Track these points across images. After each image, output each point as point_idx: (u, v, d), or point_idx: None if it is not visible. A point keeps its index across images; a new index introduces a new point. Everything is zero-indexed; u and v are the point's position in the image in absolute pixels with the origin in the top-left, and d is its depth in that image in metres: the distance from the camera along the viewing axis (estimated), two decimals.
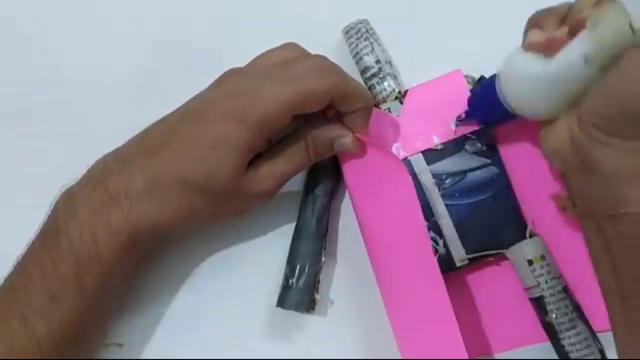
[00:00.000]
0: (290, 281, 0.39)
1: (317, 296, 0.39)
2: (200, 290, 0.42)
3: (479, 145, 0.40)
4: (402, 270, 0.38)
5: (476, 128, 0.40)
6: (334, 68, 0.37)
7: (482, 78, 0.41)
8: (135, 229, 0.35)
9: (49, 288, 0.34)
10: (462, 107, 0.40)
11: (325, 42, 0.43)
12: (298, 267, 0.39)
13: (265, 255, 0.41)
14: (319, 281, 0.39)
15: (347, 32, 0.42)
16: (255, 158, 0.37)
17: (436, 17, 0.44)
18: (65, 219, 0.35)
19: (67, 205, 0.36)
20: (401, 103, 0.41)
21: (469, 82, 0.41)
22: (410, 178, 0.38)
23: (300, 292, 0.39)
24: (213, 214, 0.38)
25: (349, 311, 0.41)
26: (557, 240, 0.39)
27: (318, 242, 0.39)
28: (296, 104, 0.35)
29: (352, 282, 0.41)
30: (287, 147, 0.38)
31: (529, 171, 0.40)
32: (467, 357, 0.35)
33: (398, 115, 0.40)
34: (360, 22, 0.42)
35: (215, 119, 0.35)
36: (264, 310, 0.41)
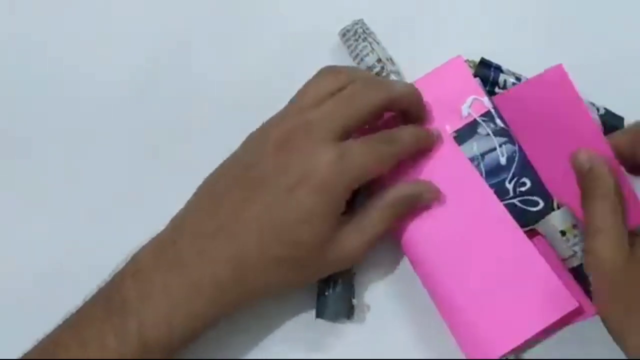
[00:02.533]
0: (327, 291, 0.38)
1: (355, 302, 0.39)
2: None
3: (493, 125, 0.40)
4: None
5: (485, 110, 0.40)
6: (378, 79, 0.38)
7: (483, 60, 0.41)
8: (217, 315, 0.34)
9: None
10: (469, 92, 0.40)
11: (324, 47, 0.43)
12: (332, 275, 0.38)
13: None
14: (353, 286, 0.39)
15: (344, 34, 0.42)
16: (342, 224, 0.36)
17: (431, 9, 0.45)
18: (136, 299, 0.34)
19: (137, 283, 0.34)
20: None
21: (470, 66, 0.41)
22: (462, 153, 0.39)
23: (338, 300, 0.38)
24: (298, 284, 0.37)
25: (387, 315, 0.40)
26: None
27: None
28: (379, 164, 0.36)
29: (386, 285, 0.41)
30: (373, 211, 0.37)
31: (541, 144, 0.40)
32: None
33: None
34: (356, 23, 0.42)
35: (295, 188, 0.34)
36: (300, 321, 0.40)
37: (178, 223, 0.36)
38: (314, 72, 0.40)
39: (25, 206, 0.42)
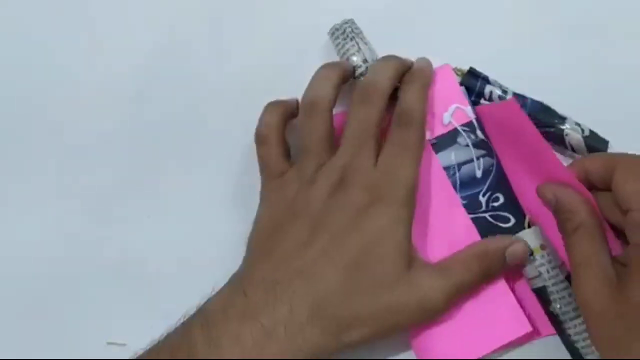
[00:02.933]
0: None
1: None
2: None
3: (473, 137, 0.40)
4: None
5: (467, 120, 0.40)
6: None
7: (471, 70, 0.41)
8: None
9: None
10: (452, 101, 0.40)
11: (312, 44, 0.43)
12: None
13: None
14: None
15: (332, 33, 0.42)
16: (422, 267, 0.35)
17: (423, 12, 0.44)
18: (204, 345, 0.32)
19: (207, 337, 0.32)
20: None
21: (458, 74, 0.41)
22: (437, 160, 0.39)
23: None
24: (383, 318, 0.34)
25: None
26: (555, 229, 0.38)
27: None
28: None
29: None
30: (458, 260, 0.36)
31: (519, 161, 0.39)
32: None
33: None
34: (346, 23, 0.42)
35: (359, 217, 0.34)
36: None
37: (244, 273, 0.35)
38: (304, 71, 0.40)
39: (25, 206, 0.43)
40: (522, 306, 0.37)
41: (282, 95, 0.41)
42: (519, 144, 0.38)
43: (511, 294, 0.37)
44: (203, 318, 0.33)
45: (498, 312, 0.36)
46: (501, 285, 0.37)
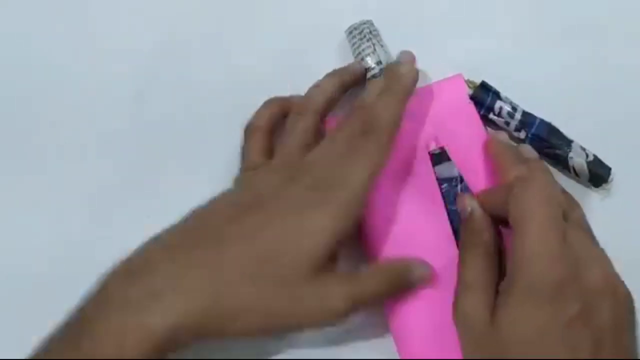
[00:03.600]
0: None
1: None
2: None
3: None
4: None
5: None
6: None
7: (483, 84, 0.41)
8: (174, 330, 0.31)
9: None
10: (463, 111, 0.40)
11: (328, 43, 0.43)
12: None
13: None
14: None
15: (350, 32, 0.42)
16: (331, 273, 0.34)
17: (441, 19, 0.44)
18: (92, 317, 0.32)
19: (97, 301, 0.32)
20: None
21: (469, 86, 0.41)
22: (432, 170, 0.39)
23: None
24: (267, 316, 0.33)
25: (361, 318, 0.39)
26: None
27: None
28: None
29: None
30: (371, 271, 0.36)
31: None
32: None
33: None
34: (364, 23, 0.42)
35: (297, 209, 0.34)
36: None
37: (155, 236, 0.35)
38: (318, 69, 0.40)
39: (25, 206, 0.42)
40: None
41: (294, 91, 0.41)
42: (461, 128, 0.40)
43: None
44: (100, 282, 0.33)
45: None
46: None
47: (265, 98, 0.41)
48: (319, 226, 0.34)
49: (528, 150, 0.39)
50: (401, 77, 0.38)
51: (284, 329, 0.34)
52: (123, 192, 0.42)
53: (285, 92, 0.41)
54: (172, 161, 0.43)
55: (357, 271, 0.36)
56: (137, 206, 0.42)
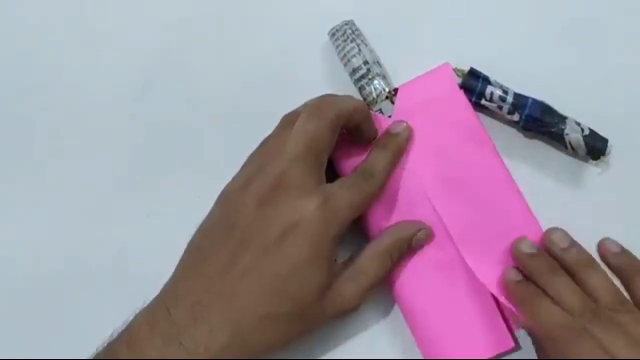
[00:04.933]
0: None
1: None
2: None
3: None
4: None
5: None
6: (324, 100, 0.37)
7: (471, 70, 0.41)
8: None
9: None
10: (453, 100, 0.40)
11: (312, 46, 0.43)
12: None
13: None
14: None
15: (333, 34, 0.41)
16: (337, 273, 0.35)
17: (422, 12, 0.44)
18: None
19: (132, 352, 0.33)
20: (392, 103, 0.40)
21: (458, 75, 0.41)
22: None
23: None
24: (299, 336, 0.35)
25: (363, 316, 0.40)
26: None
27: None
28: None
29: None
30: (369, 257, 0.37)
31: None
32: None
33: (390, 116, 0.40)
34: (346, 24, 0.41)
35: (282, 240, 0.33)
36: None
37: (169, 291, 0.35)
38: (304, 72, 0.39)
39: (25, 206, 0.43)
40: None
41: (282, 94, 0.41)
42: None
43: (498, 312, 0.38)
44: (128, 336, 0.34)
45: (483, 327, 0.38)
46: (489, 302, 0.38)
47: (265, 98, 0.41)
48: (314, 249, 0.34)
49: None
50: (399, 136, 0.39)
51: (310, 332, 0.36)
52: (123, 191, 0.43)
53: (285, 91, 0.41)
54: (172, 161, 0.43)
55: (356, 256, 0.37)
56: (137, 206, 0.42)
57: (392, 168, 0.38)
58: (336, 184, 0.36)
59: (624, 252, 0.38)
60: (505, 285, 0.37)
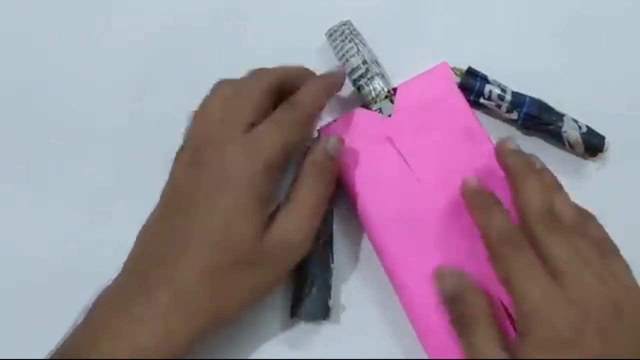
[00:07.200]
0: (303, 291, 0.38)
1: (331, 303, 0.39)
2: None
3: None
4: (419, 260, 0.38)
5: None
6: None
7: (470, 69, 0.41)
8: (167, 346, 0.32)
9: None
10: (451, 99, 0.40)
11: (312, 44, 0.43)
12: (309, 275, 0.38)
13: None
14: (330, 287, 0.39)
15: (330, 34, 0.41)
16: (276, 211, 0.36)
17: (422, 12, 0.44)
18: (84, 345, 0.33)
19: (85, 330, 0.34)
20: (391, 102, 0.40)
21: (456, 74, 0.41)
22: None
23: (315, 301, 0.38)
24: (262, 287, 0.36)
25: (361, 316, 0.40)
26: None
27: (326, 248, 0.39)
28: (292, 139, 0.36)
29: (361, 286, 0.41)
30: (300, 186, 0.37)
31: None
32: None
33: (390, 115, 0.40)
34: (344, 24, 0.41)
35: (217, 195, 0.34)
36: (275, 321, 0.40)
37: (133, 268, 0.36)
38: None
39: (25, 206, 0.42)
40: None
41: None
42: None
43: (502, 310, 0.37)
44: (87, 315, 0.34)
45: None
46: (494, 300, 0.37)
47: None
48: (243, 203, 0.34)
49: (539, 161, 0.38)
50: (330, 75, 0.40)
51: (272, 282, 0.36)
52: (123, 192, 0.43)
53: None
54: (172, 161, 0.42)
55: (290, 202, 0.36)
56: (137, 206, 0.41)
57: (320, 99, 0.38)
58: (262, 124, 0.36)
59: (520, 152, 0.37)
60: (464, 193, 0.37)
